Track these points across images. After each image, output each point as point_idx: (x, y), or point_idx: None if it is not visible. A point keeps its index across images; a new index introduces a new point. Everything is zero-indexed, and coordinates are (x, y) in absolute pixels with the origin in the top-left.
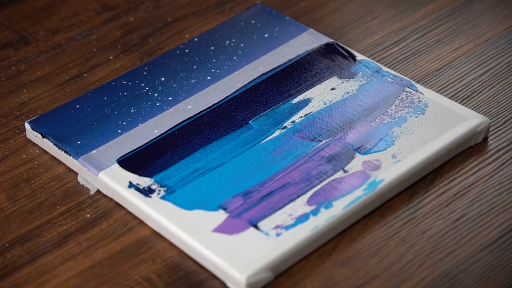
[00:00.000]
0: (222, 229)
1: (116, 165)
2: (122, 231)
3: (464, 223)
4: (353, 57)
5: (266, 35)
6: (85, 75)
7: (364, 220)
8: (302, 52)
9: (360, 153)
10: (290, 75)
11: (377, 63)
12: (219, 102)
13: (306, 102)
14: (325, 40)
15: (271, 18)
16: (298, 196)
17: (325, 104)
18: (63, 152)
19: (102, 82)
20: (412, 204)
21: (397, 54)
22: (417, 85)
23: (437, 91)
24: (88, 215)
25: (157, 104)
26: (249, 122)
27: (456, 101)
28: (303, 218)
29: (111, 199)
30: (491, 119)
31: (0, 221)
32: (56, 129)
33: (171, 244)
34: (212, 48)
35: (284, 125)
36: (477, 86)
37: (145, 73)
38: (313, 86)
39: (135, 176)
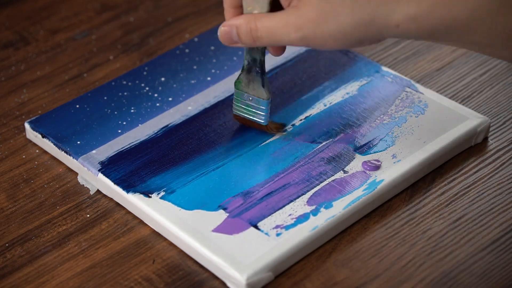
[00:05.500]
0: (222, 229)
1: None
2: (122, 231)
3: (464, 223)
4: (353, 57)
5: None
6: (85, 75)
7: (364, 220)
8: (302, 52)
9: (360, 153)
10: (290, 75)
11: (377, 63)
12: (219, 103)
13: (306, 104)
14: None
15: None
16: (298, 196)
17: (325, 105)
18: (63, 152)
19: (102, 82)
20: (412, 204)
21: (397, 54)
22: (417, 85)
23: (437, 91)
24: (88, 215)
25: (157, 104)
26: None
27: (456, 101)
28: (303, 218)
29: (111, 199)
30: (491, 119)
31: (0, 221)
32: (56, 129)
33: (171, 244)
34: (212, 48)
35: (284, 128)
36: (477, 86)
37: (145, 73)
38: (314, 88)
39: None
